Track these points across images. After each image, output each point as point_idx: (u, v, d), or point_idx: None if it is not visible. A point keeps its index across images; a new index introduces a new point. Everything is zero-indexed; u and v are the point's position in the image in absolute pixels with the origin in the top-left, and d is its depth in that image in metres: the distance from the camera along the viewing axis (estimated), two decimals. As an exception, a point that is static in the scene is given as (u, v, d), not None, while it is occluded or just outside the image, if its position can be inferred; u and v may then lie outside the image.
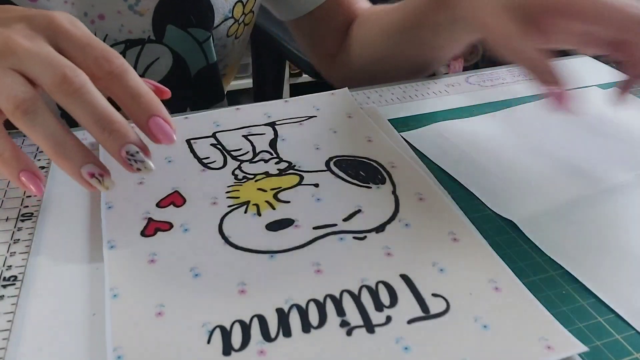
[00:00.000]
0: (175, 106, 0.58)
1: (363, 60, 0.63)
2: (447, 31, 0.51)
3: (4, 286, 0.32)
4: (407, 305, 0.31)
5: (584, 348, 0.29)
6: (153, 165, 0.32)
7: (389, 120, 0.49)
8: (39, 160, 0.43)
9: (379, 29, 0.60)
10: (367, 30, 0.62)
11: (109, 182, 0.32)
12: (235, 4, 0.59)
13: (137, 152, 0.32)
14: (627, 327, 0.31)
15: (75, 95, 0.31)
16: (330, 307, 0.31)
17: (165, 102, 0.56)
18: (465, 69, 1.94)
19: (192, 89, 0.59)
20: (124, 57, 0.53)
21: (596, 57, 0.66)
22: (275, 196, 0.39)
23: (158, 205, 0.38)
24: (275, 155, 0.43)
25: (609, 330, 0.31)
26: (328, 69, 0.70)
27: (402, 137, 0.47)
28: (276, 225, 0.36)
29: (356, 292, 0.32)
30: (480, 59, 2.01)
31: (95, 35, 0.49)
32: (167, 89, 0.38)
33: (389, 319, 0.30)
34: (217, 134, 0.46)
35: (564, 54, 0.56)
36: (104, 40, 0.52)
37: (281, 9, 0.66)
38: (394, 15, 0.57)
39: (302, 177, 0.41)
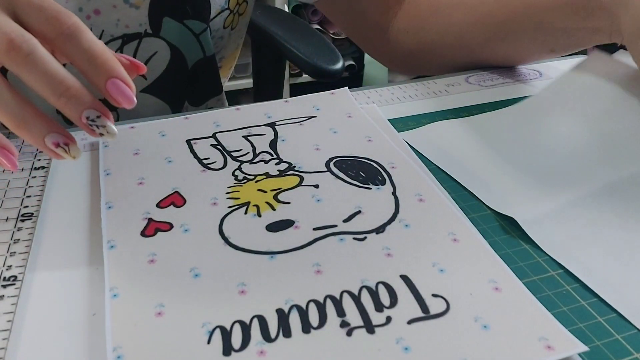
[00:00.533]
0: (173, 100, 0.58)
1: (435, 45, 0.59)
2: (587, 38, 0.49)
3: (4, 286, 0.32)
4: (407, 306, 0.31)
5: (584, 348, 0.29)
6: (116, 129, 0.31)
7: (389, 120, 0.49)
8: (39, 160, 0.43)
9: (474, 17, 0.56)
10: (450, 15, 0.58)
11: (75, 150, 0.31)
12: None
13: (98, 117, 0.30)
14: (627, 327, 0.31)
15: (25, 62, 0.29)
16: (330, 308, 0.31)
17: (163, 96, 0.56)
18: (465, 68, 1.93)
19: (190, 83, 0.59)
20: (122, 52, 0.53)
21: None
22: (275, 197, 0.39)
23: (158, 205, 0.38)
24: (275, 156, 0.43)
25: (609, 330, 0.31)
26: (377, 47, 0.65)
27: (402, 137, 0.47)
28: (276, 226, 0.36)
29: (356, 293, 0.32)
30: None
31: (91, 31, 0.49)
32: (142, 63, 0.36)
33: (389, 319, 0.30)
34: (217, 135, 0.46)
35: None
36: (100, 37, 0.52)
37: None
38: (505, 9, 0.53)
39: (302, 178, 0.41)
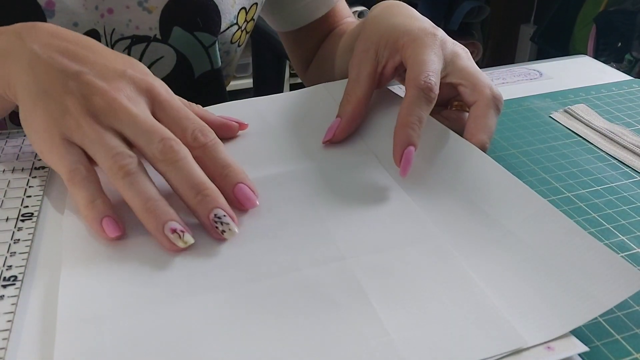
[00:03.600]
0: None
1: (325, 71, 0.65)
2: None
3: (4, 286, 0.32)
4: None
5: (584, 348, 0.29)
6: (237, 230, 0.34)
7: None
8: (39, 160, 0.43)
9: (339, 46, 0.59)
10: (331, 46, 0.66)
11: (188, 237, 0.33)
12: (240, 10, 0.59)
13: (224, 216, 0.34)
14: (627, 327, 0.31)
15: (177, 164, 0.34)
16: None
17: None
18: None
19: (195, 91, 0.59)
20: (129, 52, 0.54)
21: (596, 57, 0.66)
22: None
23: None
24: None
25: (609, 330, 0.31)
26: (303, 73, 0.74)
27: None
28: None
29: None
30: (481, 58, 2.01)
31: (104, 29, 0.50)
32: (245, 123, 0.44)
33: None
34: None
35: (565, 53, 0.56)
36: (111, 35, 0.52)
37: (279, 20, 0.68)
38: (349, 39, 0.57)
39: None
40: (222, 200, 0.35)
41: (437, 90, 0.40)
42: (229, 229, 0.34)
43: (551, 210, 0.35)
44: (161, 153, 0.34)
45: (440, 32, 0.44)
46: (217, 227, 0.34)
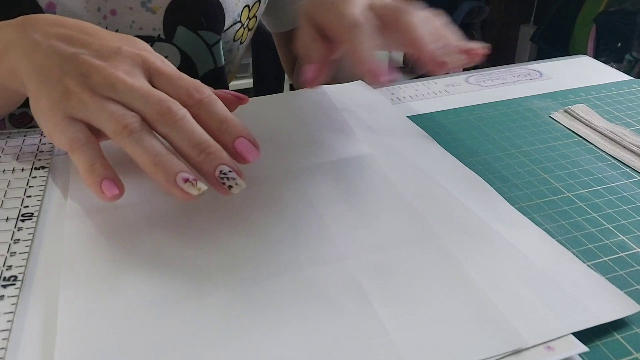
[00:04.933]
0: None
1: None
2: None
3: (4, 286, 0.32)
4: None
5: (584, 348, 0.29)
6: (244, 184, 0.34)
7: (389, 120, 0.49)
8: (39, 160, 0.43)
9: None
10: None
11: (201, 184, 0.33)
12: (243, 8, 0.59)
13: (230, 171, 0.34)
14: (627, 327, 0.31)
15: (177, 124, 0.34)
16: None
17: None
18: (465, 69, 1.94)
19: None
20: None
21: (596, 57, 0.66)
22: None
23: None
24: None
25: (609, 330, 0.31)
26: (291, 74, 0.76)
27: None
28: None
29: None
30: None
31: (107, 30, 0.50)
32: (244, 95, 0.42)
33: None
34: None
35: (565, 53, 0.56)
36: None
37: (274, 21, 0.69)
38: None
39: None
40: (225, 156, 0.35)
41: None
42: (236, 184, 0.34)
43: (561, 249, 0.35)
44: (159, 114, 0.35)
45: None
46: (224, 183, 0.34)
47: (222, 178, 0.34)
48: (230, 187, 0.34)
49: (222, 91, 0.41)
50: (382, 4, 0.45)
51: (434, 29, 0.44)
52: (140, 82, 0.36)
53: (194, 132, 0.35)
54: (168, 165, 0.33)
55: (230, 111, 0.37)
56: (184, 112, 0.35)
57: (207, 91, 0.37)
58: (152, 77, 0.38)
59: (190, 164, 0.35)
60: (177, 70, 0.38)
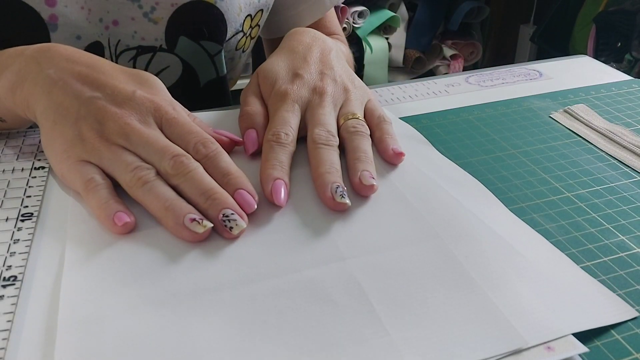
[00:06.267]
0: None
1: None
2: None
3: (4, 286, 0.32)
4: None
5: (584, 349, 0.29)
6: (245, 224, 0.36)
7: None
8: (39, 160, 0.43)
9: None
10: None
11: (207, 222, 0.35)
12: (245, 17, 0.59)
13: (232, 214, 0.36)
14: (627, 327, 0.31)
15: (188, 176, 0.37)
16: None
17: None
18: (465, 68, 1.94)
19: (200, 99, 0.59)
20: (135, 62, 0.54)
21: (596, 57, 0.66)
22: None
23: None
24: None
25: (609, 330, 0.31)
26: None
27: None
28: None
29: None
30: (480, 58, 2.02)
31: (108, 40, 0.50)
32: (239, 139, 0.44)
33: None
34: None
35: (565, 53, 0.56)
36: (116, 46, 0.52)
37: (267, 26, 0.68)
38: None
39: None
40: (230, 201, 0.37)
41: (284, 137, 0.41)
42: (236, 225, 0.35)
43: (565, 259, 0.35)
44: (173, 169, 0.37)
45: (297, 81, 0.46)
46: (225, 226, 0.35)
47: (224, 221, 0.35)
48: (231, 228, 0.35)
49: (220, 135, 0.43)
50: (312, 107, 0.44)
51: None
52: (154, 133, 0.39)
53: (202, 181, 0.37)
54: (177, 208, 0.35)
55: (228, 153, 0.40)
56: (195, 164, 0.38)
57: (213, 146, 0.39)
58: (163, 126, 0.40)
59: (198, 210, 0.36)
60: (187, 121, 0.41)
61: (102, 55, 0.52)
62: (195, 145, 0.39)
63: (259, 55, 1.30)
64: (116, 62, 0.53)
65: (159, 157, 0.38)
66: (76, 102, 0.39)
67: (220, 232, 0.36)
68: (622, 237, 0.38)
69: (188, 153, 0.38)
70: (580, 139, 0.49)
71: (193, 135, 0.39)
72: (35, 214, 0.38)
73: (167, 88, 0.42)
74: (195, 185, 0.37)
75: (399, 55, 1.87)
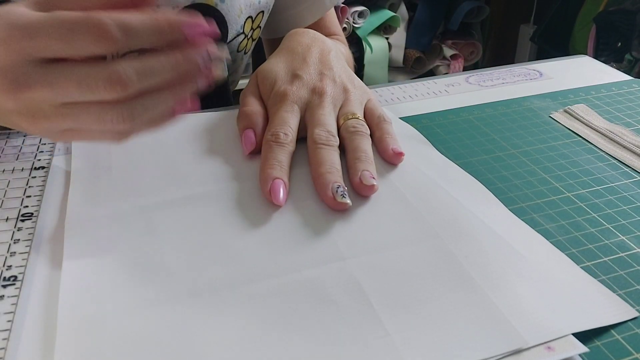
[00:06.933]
0: None
1: None
2: None
3: (4, 286, 0.32)
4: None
5: (584, 349, 0.29)
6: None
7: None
8: (39, 160, 0.43)
9: None
10: None
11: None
12: (246, 19, 0.59)
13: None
14: (627, 327, 0.31)
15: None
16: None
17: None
18: (465, 68, 1.94)
19: (202, 100, 0.59)
20: None
21: (596, 57, 0.66)
22: None
23: None
24: None
25: (609, 330, 0.31)
26: None
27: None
28: None
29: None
30: (480, 58, 2.02)
31: None
32: None
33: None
34: None
35: (565, 53, 0.56)
36: None
37: (266, 27, 0.68)
38: None
39: None
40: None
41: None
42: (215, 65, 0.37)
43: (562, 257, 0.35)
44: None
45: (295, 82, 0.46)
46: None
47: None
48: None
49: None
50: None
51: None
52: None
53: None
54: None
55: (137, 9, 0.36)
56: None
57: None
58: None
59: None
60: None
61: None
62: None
63: (259, 56, 1.30)
64: None
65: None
66: None
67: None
68: (622, 237, 0.38)
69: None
70: (581, 139, 0.49)
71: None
72: (35, 214, 0.38)
73: None
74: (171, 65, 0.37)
75: (399, 55, 1.87)
